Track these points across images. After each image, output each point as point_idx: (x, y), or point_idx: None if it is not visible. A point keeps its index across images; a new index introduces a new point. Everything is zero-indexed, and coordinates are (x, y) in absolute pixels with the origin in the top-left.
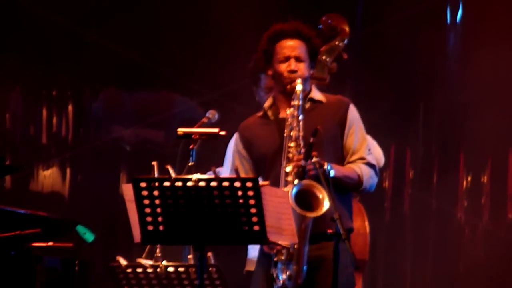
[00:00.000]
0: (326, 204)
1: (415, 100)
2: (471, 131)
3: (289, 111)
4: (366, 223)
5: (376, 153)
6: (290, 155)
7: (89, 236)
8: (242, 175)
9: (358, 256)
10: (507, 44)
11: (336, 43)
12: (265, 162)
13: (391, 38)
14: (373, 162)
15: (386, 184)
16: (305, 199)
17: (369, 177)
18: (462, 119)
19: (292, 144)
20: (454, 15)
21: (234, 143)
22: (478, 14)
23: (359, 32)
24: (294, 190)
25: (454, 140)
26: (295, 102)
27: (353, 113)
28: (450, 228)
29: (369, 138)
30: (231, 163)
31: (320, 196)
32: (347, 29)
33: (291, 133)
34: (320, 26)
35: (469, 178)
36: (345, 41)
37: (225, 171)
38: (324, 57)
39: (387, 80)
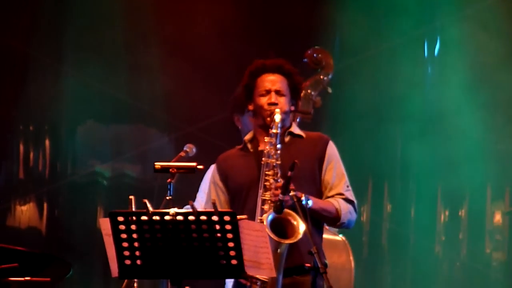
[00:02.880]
0: (301, 231)
1: (393, 133)
2: (448, 166)
3: (267, 139)
4: (351, 258)
5: None
6: (267, 184)
7: None
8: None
9: None
10: (485, 76)
11: (321, 77)
12: (241, 193)
13: (368, 72)
14: (352, 198)
15: (364, 218)
16: (281, 227)
17: (347, 212)
18: (440, 153)
19: (269, 172)
20: (432, 48)
21: (211, 174)
22: (456, 47)
23: (335, 66)
24: (270, 217)
25: (432, 174)
26: (273, 130)
27: (332, 149)
28: (428, 262)
29: None
30: (207, 194)
31: (295, 224)
32: (332, 63)
33: (269, 161)
34: (305, 60)
35: (447, 213)
36: (330, 75)
37: (199, 200)
38: (309, 91)
39: (365, 113)
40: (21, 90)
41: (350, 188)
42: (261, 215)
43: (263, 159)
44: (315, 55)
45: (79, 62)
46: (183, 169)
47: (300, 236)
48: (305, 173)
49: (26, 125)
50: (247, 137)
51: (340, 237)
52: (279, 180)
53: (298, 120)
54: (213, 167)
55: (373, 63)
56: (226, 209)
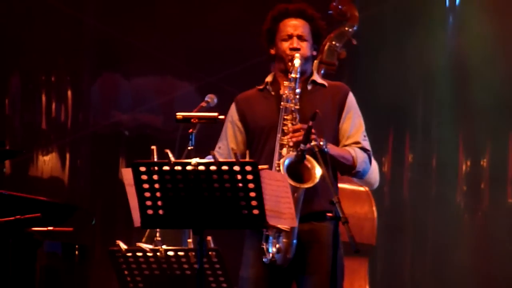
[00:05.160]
0: (318, 176)
1: (414, 83)
2: (470, 114)
3: (286, 83)
4: (374, 208)
5: (372, 177)
6: (285, 128)
7: None
8: (233, 145)
9: (366, 241)
10: (506, 27)
11: (346, 28)
12: (261, 135)
13: (389, 22)
14: (368, 148)
15: (385, 168)
16: (297, 172)
17: (363, 161)
18: (461, 102)
19: (288, 117)
20: None
21: (229, 113)
22: None
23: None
24: (286, 162)
25: (454, 123)
26: (292, 75)
27: (352, 99)
28: (450, 212)
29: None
30: (223, 132)
31: (311, 169)
32: (357, 14)
33: (287, 106)
34: (330, 12)
35: (468, 163)
36: (355, 27)
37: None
38: (333, 42)
39: (386, 64)
40: (43, 40)
41: (366, 138)
42: (279, 159)
43: (281, 103)
44: (340, 6)
45: (101, 12)
46: (204, 119)
47: (316, 180)
48: (325, 121)
49: (48, 76)
50: (268, 79)
51: (363, 188)
52: (296, 124)
53: (322, 71)
54: (231, 106)
55: (394, 13)
56: (242, 149)
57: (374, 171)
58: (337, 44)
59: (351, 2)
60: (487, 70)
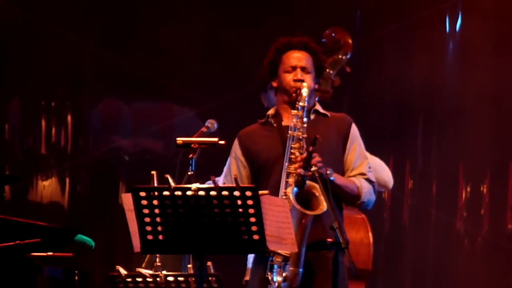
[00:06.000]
0: (326, 203)
1: (414, 109)
2: (470, 141)
3: (294, 112)
4: (370, 234)
5: (385, 175)
6: (293, 157)
7: (89, 242)
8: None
9: (362, 266)
10: (506, 53)
11: (340, 56)
12: (266, 168)
13: (390, 48)
14: (373, 179)
15: (385, 195)
16: (306, 199)
17: (367, 192)
18: (461, 129)
19: (295, 145)
20: (453, 24)
21: (232, 149)
22: (477, 23)
23: (357, 42)
24: (295, 190)
25: (453, 150)
26: (300, 104)
27: (355, 131)
28: (450, 238)
29: (377, 160)
30: (227, 168)
31: (319, 196)
32: (350, 42)
33: (295, 134)
34: (323, 40)
35: (468, 189)
36: (348, 55)
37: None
38: (327, 70)
39: (386, 90)
40: (43, 66)
41: (371, 169)
42: (286, 188)
43: (289, 132)
44: (333, 34)
45: (101, 38)
46: (204, 144)
47: (325, 208)
48: (329, 149)
49: (48, 101)
50: (270, 112)
51: (359, 214)
52: (303, 153)
53: (317, 99)
54: (234, 142)
55: (394, 39)
56: (247, 184)
57: (385, 170)
58: (331, 72)
59: (345, 30)
60: (488, 96)
